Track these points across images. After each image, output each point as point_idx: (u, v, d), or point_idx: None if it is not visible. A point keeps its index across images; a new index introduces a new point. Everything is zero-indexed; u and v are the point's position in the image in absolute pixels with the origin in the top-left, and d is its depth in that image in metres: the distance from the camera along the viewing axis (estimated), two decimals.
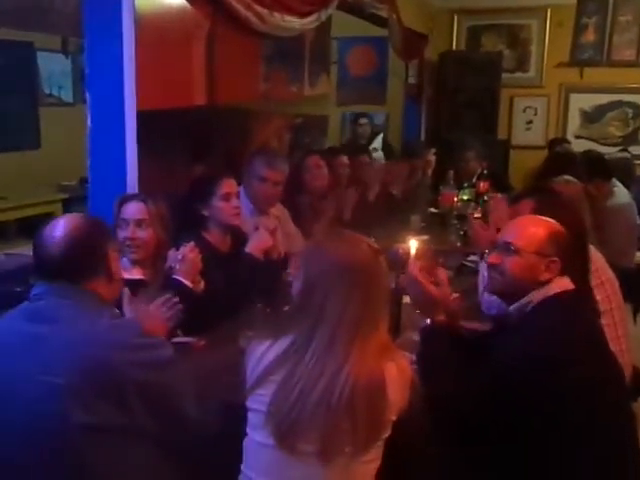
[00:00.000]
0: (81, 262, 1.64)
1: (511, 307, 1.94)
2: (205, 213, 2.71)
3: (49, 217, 5.70)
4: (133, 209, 2.34)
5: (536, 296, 1.88)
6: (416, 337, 2.18)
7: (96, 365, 1.54)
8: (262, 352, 1.63)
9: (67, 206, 5.95)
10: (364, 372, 1.56)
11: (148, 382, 1.59)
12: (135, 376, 1.57)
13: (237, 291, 2.62)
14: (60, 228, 1.65)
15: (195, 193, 2.73)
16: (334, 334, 1.58)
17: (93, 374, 1.53)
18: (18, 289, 2.84)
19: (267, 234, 2.76)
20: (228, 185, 2.72)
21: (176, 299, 2.07)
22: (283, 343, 1.61)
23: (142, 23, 2.68)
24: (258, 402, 1.61)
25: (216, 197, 2.68)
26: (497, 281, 1.97)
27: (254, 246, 2.70)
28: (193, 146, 3.13)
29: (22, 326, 1.62)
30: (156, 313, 2.01)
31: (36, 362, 1.55)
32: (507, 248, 1.93)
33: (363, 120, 6.44)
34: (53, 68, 6.46)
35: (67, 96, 6.65)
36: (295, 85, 4.20)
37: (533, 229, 1.93)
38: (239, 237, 2.85)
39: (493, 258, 1.98)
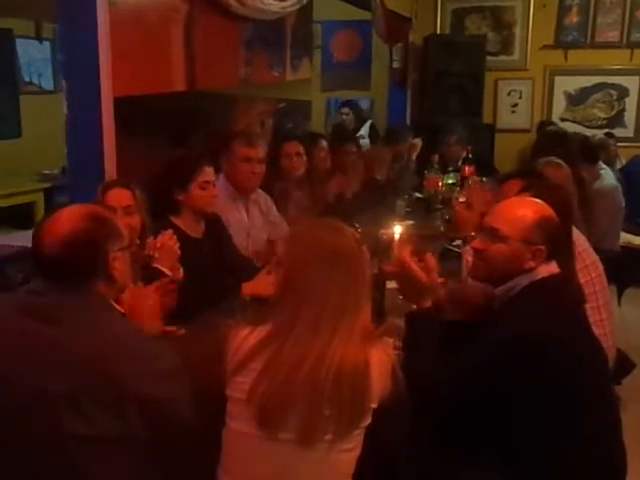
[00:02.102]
0: (80, 263, 1.55)
1: (496, 290, 1.92)
2: (180, 198, 2.67)
3: (31, 206, 5.72)
4: (118, 196, 2.29)
5: (522, 281, 1.86)
6: (400, 323, 2.16)
7: (97, 375, 1.48)
8: (242, 339, 1.61)
9: (49, 195, 5.89)
10: (348, 358, 1.54)
11: (150, 394, 1.54)
12: (137, 388, 1.51)
13: (214, 278, 2.59)
14: (60, 225, 1.55)
15: (171, 178, 2.68)
16: (317, 320, 1.56)
17: (94, 384, 1.48)
18: None
19: (269, 281, 2.64)
20: (207, 173, 2.68)
21: (172, 284, 2.03)
22: (263, 329, 1.59)
23: (117, 7, 2.63)
24: (237, 390, 1.59)
25: (194, 184, 2.64)
26: (480, 267, 1.94)
27: (251, 288, 2.58)
28: (173, 132, 3.08)
29: (22, 323, 1.54)
30: (149, 299, 1.96)
31: (35, 365, 1.49)
32: (493, 234, 1.89)
33: (345, 109, 6.41)
34: (32, 55, 6.37)
35: (47, 84, 6.56)
36: (276, 70, 4.15)
37: (520, 213, 1.87)
38: (213, 222, 2.82)
39: (477, 244, 1.94)
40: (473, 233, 2.57)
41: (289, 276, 1.61)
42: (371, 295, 1.72)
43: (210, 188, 2.68)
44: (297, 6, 3.96)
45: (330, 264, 1.59)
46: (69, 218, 1.57)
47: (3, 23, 5.95)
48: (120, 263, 1.63)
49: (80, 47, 2.57)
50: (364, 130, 6.36)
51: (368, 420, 1.60)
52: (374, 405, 1.60)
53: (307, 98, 4.90)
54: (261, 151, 3.11)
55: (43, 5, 5.27)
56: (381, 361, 1.61)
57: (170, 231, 2.36)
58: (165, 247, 2.29)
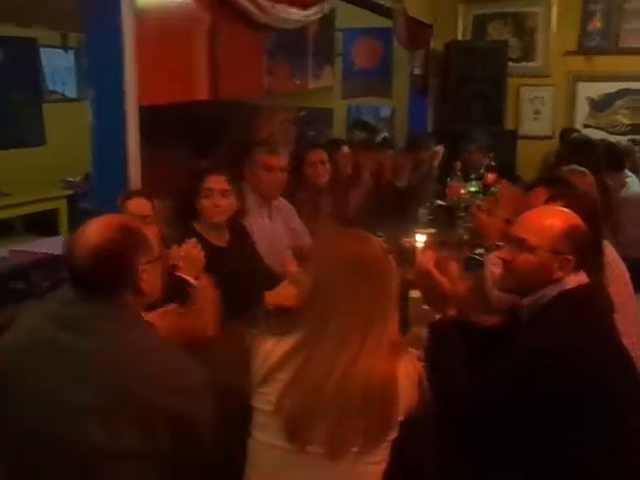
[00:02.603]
0: (108, 274, 1.55)
1: (524, 300, 1.90)
2: (197, 207, 2.68)
3: (54, 213, 5.77)
4: (138, 205, 2.30)
5: (550, 291, 1.83)
6: (424, 332, 2.14)
7: (124, 389, 1.48)
8: (268, 350, 1.60)
9: (72, 202, 5.94)
10: (376, 369, 1.53)
11: (176, 410, 1.54)
12: (164, 403, 1.51)
13: (238, 287, 2.59)
14: (90, 236, 1.56)
15: (190, 188, 2.69)
16: (344, 331, 1.55)
17: (120, 398, 1.48)
18: (21, 286, 2.83)
19: (292, 291, 2.65)
20: (211, 181, 2.65)
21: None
22: (290, 340, 1.58)
23: (142, 17, 2.64)
24: (263, 401, 1.58)
25: (200, 192, 2.64)
26: (508, 277, 1.91)
27: (274, 298, 2.59)
28: (196, 141, 3.09)
29: (51, 332, 1.54)
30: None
31: (63, 376, 1.50)
32: (520, 244, 1.86)
33: (356, 132, 6.35)
34: (56, 64, 6.44)
35: (71, 92, 6.63)
36: (299, 78, 4.16)
37: (548, 223, 1.84)
38: (238, 230, 2.82)
39: (504, 254, 1.92)
40: (498, 242, 2.54)
41: (316, 287, 1.61)
42: (399, 306, 1.71)
43: (215, 197, 2.63)
44: (319, 15, 3.97)
45: (357, 274, 1.59)
46: (99, 229, 1.57)
47: (27, 32, 6.03)
48: (149, 275, 1.62)
49: (106, 56, 2.59)
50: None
51: (395, 433, 1.58)
52: (401, 418, 1.58)
53: (329, 106, 4.90)
54: (283, 160, 3.11)
55: (67, 15, 5.33)
56: (408, 373, 1.60)
57: (194, 240, 2.36)
58: (189, 256, 2.29)
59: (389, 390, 1.54)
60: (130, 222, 1.66)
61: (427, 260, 2.02)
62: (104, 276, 1.55)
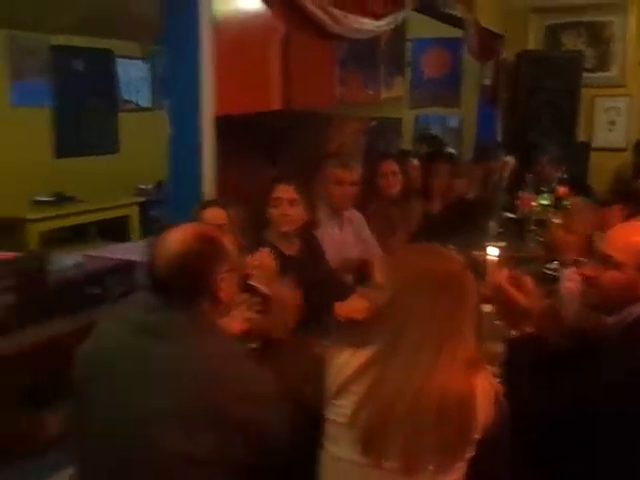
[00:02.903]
0: (188, 283, 1.58)
1: (609, 318, 1.84)
2: (268, 216, 2.70)
3: (125, 220, 5.92)
4: (214, 215, 2.34)
5: (636, 309, 1.77)
6: (498, 348, 2.09)
7: (199, 395, 1.50)
8: (343, 361, 1.59)
9: (143, 209, 6.09)
10: (452, 385, 1.49)
11: (249, 417, 1.55)
12: (237, 410, 1.53)
13: (308, 296, 2.59)
14: (172, 244, 1.59)
15: (261, 197, 2.72)
16: (420, 345, 1.52)
17: (195, 404, 1.50)
18: (96, 291, 2.91)
19: (363, 305, 2.64)
20: (279, 190, 2.67)
21: (256, 300, 2.05)
22: (365, 353, 1.56)
23: (219, 29, 2.69)
24: (337, 413, 1.57)
25: (270, 202, 2.66)
26: (592, 294, 1.86)
27: (344, 310, 2.57)
28: (269, 151, 3.12)
29: (131, 337, 1.58)
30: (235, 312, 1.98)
31: (141, 381, 1.53)
32: (606, 261, 1.81)
33: (420, 145, 6.28)
34: (131, 74, 6.63)
35: (144, 101, 6.81)
36: (371, 88, 4.15)
37: (635, 240, 1.80)
38: (308, 239, 2.82)
39: (589, 271, 1.87)
40: (578, 258, 2.47)
41: (393, 300, 1.58)
42: (477, 322, 1.67)
43: (282, 206, 2.65)
44: (391, 25, 3.95)
45: (435, 289, 1.56)
46: (180, 238, 1.60)
47: (104, 44, 6.24)
48: (227, 284, 1.64)
49: (183, 67, 2.64)
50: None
51: (472, 451, 1.55)
52: (478, 436, 1.54)
53: (398, 116, 4.88)
54: (354, 174, 3.12)
55: (145, 27, 5.49)
56: (485, 390, 1.56)
57: (267, 249, 2.37)
58: (262, 265, 2.31)
59: (466, 406, 1.50)
60: (210, 232, 1.68)
61: (501, 275, 1.98)
62: (183, 284, 1.57)
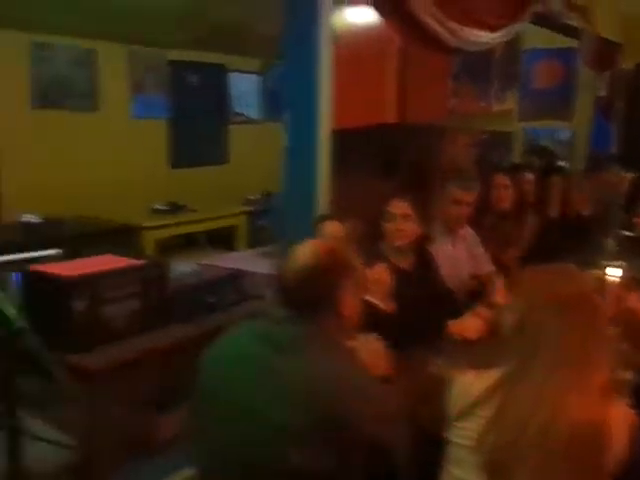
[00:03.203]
0: (314, 296, 1.61)
1: None
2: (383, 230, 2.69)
3: (233, 229, 6.08)
4: (332, 228, 2.36)
5: None
6: (627, 375, 1.99)
7: (322, 411, 1.51)
8: (468, 383, 1.55)
9: (251, 219, 6.23)
10: (585, 412, 1.43)
11: (371, 435, 1.55)
12: (360, 428, 1.53)
13: (421, 311, 2.56)
14: (301, 258, 1.63)
15: (376, 211, 2.71)
16: (550, 370, 1.46)
17: (320, 419, 1.50)
18: (212, 299, 2.98)
19: (477, 324, 2.60)
20: (393, 205, 2.65)
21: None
22: (492, 375, 1.52)
23: (337, 43, 2.71)
24: (461, 436, 1.53)
25: (384, 216, 2.65)
26: None
27: (458, 328, 2.54)
28: (383, 164, 3.12)
29: (256, 348, 1.61)
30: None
31: (264, 392, 1.55)
32: None
33: (532, 157, 6.07)
34: (242, 87, 6.82)
35: (254, 114, 6.99)
36: (483, 101, 4.08)
37: None
38: (422, 254, 2.79)
39: None
40: None
41: (523, 322, 1.53)
42: (610, 347, 1.60)
43: (397, 220, 2.62)
44: (506, 37, 3.87)
45: (567, 311, 1.50)
46: (309, 252, 1.62)
47: (218, 59, 6.46)
48: (351, 299, 1.65)
49: (302, 81, 2.68)
50: None
51: None
52: (612, 468, 1.46)
53: (508, 129, 4.77)
54: (473, 195, 3.08)
55: (257, 42, 5.65)
56: (621, 420, 1.48)
57: (383, 263, 2.37)
58: (379, 279, 2.30)
59: (599, 436, 1.43)
60: (338, 247, 1.69)
61: (632, 297, 1.88)
62: (310, 297, 1.59)
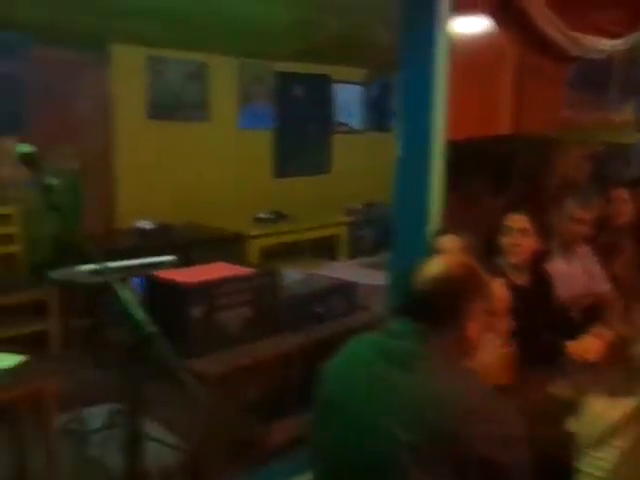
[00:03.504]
0: (441, 309, 1.57)
1: None
2: (499, 244, 2.61)
3: (334, 239, 6.10)
4: (449, 242, 2.32)
5: None
6: None
7: (445, 431, 1.48)
8: (599, 411, 1.48)
9: (351, 229, 6.24)
10: None
11: (493, 458, 1.50)
12: (482, 450, 1.48)
13: (538, 328, 2.46)
14: (435, 266, 1.61)
15: (491, 224, 2.64)
16: None
17: (440, 438, 1.47)
18: (320, 309, 2.99)
19: (596, 345, 2.48)
20: (511, 219, 2.57)
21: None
22: (628, 404, 1.44)
23: (455, 54, 2.67)
24: (594, 466, 1.46)
25: (501, 230, 2.57)
26: None
27: (576, 349, 2.43)
28: (496, 176, 3.04)
29: (375, 362, 1.60)
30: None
31: (383, 407, 1.53)
32: None
33: None
34: (344, 98, 6.86)
35: (356, 124, 7.01)
36: (600, 111, 3.91)
37: None
38: (538, 270, 2.69)
39: None
40: None
41: None
42: None
43: (514, 235, 2.54)
44: (627, 46, 3.71)
45: None
46: (442, 265, 1.60)
47: (322, 70, 6.53)
48: (477, 322, 1.59)
49: (418, 91, 2.65)
50: None
51: None
52: None
53: (628, 141, 4.54)
54: (593, 212, 2.95)
55: (362, 53, 5.68)
56: None
57: (501, 280, 2.30)
58: (497, 296, 2.23)
59: None
60: (474, 267, 1.65)
61: None
62: (436, 310, 1.56)
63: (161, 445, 2.61)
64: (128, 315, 1.70)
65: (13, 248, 4.52)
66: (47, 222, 4.46)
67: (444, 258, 1.62)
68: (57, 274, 3.19)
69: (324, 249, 6.19)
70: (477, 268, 1.63)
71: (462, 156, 2.87)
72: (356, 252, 6.05)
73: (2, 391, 2.28)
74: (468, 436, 1.47)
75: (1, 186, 4.45)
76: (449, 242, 2.32)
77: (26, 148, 1.76)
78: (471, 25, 2.87)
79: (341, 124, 6.88)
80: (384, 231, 5.73)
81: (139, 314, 1.73)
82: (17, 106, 4.57)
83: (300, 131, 6.45)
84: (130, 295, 1.84)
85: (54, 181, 1.82)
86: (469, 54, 2.83)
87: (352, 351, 1.70)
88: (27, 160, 1.81)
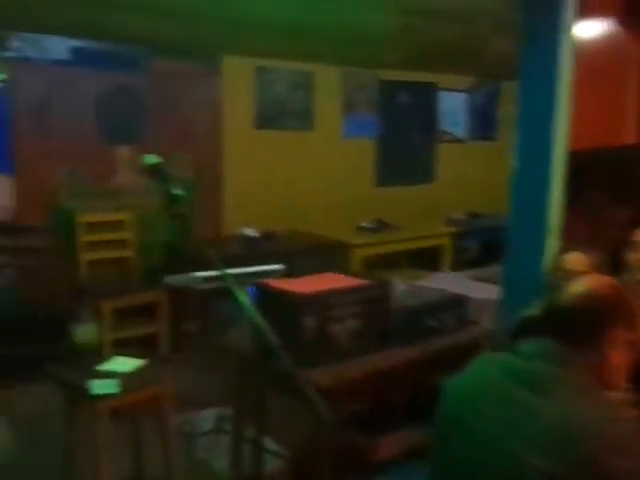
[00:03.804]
0: (583, 329, 1.49)
1: None
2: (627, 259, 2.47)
3: (437, 249, 6.00)
4: (576, 260, 2.21)
5: None
6: None
7: (580, 460, 1.40)
8: None
9: (454, 240, 6.12)
10: None
11: None
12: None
13: None
14: (580, 286, 1.53)
15: (615, 239, 2.50)
16: None
17: (577, 468, 1.40)
18: (432, 322, 2.92)
19: None
20: (637, 234, 2.44)
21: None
22: None
23: (578, 61, 2.56)
24: None
25: (627, 245, 2.43)
26: None
27: None
28: (619, 188, 2.88)
29: (504, 383, 1.56)
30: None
31: (512, 429, 1.47)
32: None
33: None
34: (449, 106, 6.75)
35: (460, 133, 6.88)
36: None
37: None
38: None
39: None
40: None
41: None
42: None
43: None
44: None
45: None
46: (594, 279, 1.53)
47: (428, 77, 6.46)
48: (619, 351, 1.49)
49: (539, 99, 2.56)
50: None
51: None
52: None
53: None
54: None
55: (468, 60, 5.57)
56: None
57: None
58: None
59: None
60: (621, 288, 1.56)
61: None
62: (580, 328, 1.48)
63: (267, 452, 2.62)
64: (250, 322, 1.72)
65: (126, 253, 4.71)
66: (161, 229, 4.63)
67: (591, 277, 1.54)
68: (173, 279, 3.27)
69: (426, 259, 6.10)
70: (625, 292, 1.54)
71: (581, 166, 2.74)
72: (459, 264, 5.92)
73: (125, 395, 2.36)
74: (608, 470, 1.39)
75: (118, 193, 4.66)
76: (576, 260, 2.21)
77: (154, 159, 1.80)
78: (596, 30, 2.73)
79: (445, 133, 6.77)
80: (490, 243, 5.58)
81: (259, 321, 1.76)
82: (134, 116, 4.77)
83: (404, 139, 6.40)
84: (249, 302, 1.87)
85: (179, 191, 1.87)
86: (593, 60, 2.70)
87: (478, 370, 1.65)
88: (153, 170, 1.86)
